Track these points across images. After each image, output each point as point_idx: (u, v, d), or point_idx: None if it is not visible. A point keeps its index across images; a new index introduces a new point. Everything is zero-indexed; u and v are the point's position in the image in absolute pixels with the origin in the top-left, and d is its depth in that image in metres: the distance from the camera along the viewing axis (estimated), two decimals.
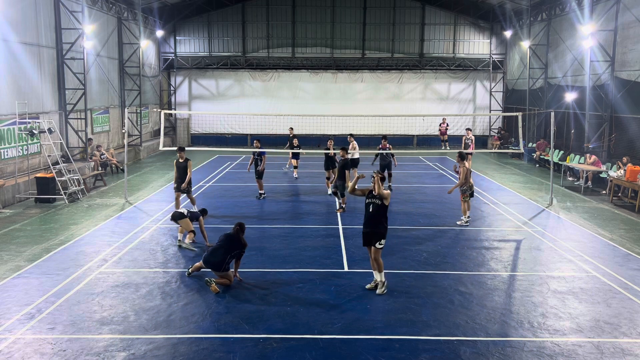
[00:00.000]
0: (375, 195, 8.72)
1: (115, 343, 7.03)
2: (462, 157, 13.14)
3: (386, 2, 30.45)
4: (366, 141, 29.99)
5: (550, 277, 9.64)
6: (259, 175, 16.22)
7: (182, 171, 13.56)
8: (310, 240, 11.75)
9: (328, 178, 16.99)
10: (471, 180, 13.21)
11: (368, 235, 8.80)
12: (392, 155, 17.28)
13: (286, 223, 13.42)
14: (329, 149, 16.86)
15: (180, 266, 10.04)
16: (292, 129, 21.53)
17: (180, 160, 13.61)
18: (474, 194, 13.55)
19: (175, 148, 15.55)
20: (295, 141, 20.24)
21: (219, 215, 14.03)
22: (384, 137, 17.64)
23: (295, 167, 20.08)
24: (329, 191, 16.69)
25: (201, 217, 11.47)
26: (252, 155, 16.44)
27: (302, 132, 28.17)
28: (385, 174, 16.59)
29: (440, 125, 28.06)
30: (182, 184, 13.53)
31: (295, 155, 19.98)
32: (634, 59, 18.20)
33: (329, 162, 16.79)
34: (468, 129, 22.08)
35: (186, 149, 14.20)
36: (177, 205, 13.65)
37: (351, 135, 18.53)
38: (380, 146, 17.41)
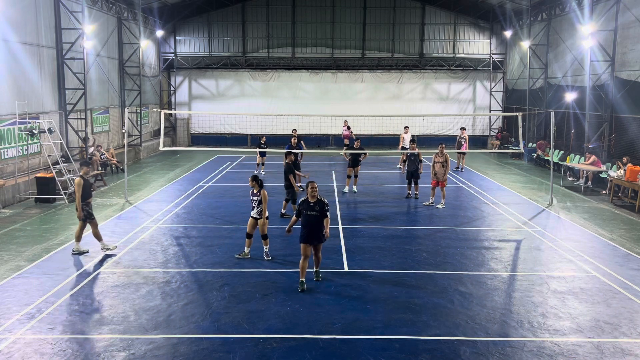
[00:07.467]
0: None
1: (115, 343, 7.03)
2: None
3: (386, 2, 30.45)
4: (366, 141, 30.10)
5: (550, 277, 9.64)
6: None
7: None
8: None
9: (349, 176, 17.24)
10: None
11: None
12: (420, 161, 16.15)
13: (286, 223, 13.39)
14: (355, 148, 17.15)
15: (181, 266, 10.05)
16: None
17: None
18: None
19: (175, 148, 15.01)
20: (263, 139, 21.22)
21: (219, 216, 14.04)
22: (413, 140, 17.16)
23: (262, 164, 21.42)
24: (347, 189, 17.24)
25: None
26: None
27: (303, 132, 28.18)
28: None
29: (344, 130, 24.61)
30: None
31: (262, 154, 21.12)
32: (634, 59, 18.20)
33: (355, 160, 17.08)
34: (462, 128, 22.12)
35: (186, 149, 13.87)
36: None
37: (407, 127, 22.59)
38: (409, 150, 16.54)
